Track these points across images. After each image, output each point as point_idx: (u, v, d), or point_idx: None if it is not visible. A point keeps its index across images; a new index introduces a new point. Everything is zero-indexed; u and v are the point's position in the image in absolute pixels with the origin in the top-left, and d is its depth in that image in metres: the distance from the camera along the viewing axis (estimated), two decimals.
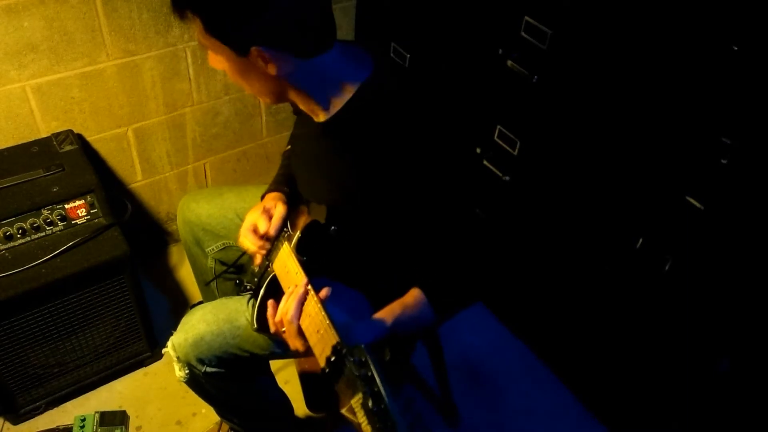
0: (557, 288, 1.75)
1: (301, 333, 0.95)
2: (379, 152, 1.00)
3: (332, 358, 0.83)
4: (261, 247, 1.19)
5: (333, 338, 0.85)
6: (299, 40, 0.95)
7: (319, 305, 0.90)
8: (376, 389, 0.74)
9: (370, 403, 0.74)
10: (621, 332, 1.58)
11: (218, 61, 0.99)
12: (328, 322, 0.87)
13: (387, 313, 1.00)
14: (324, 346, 0.86)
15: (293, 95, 1.04)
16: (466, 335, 1.96)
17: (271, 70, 0.96)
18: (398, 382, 0.78)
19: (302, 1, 0.91)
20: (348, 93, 1.01)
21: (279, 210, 1.20)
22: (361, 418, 0.76)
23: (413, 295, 1.02)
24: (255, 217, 1.20)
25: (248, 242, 1.20)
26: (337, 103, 1.02)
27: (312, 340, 0.92)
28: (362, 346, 0.78)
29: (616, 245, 1.50)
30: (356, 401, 0.77)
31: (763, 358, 1.31)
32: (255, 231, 1.19)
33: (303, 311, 0.95)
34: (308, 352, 0.95)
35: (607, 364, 1.67)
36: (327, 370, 0.84)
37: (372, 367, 0.76)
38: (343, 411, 0.80)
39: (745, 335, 1.32)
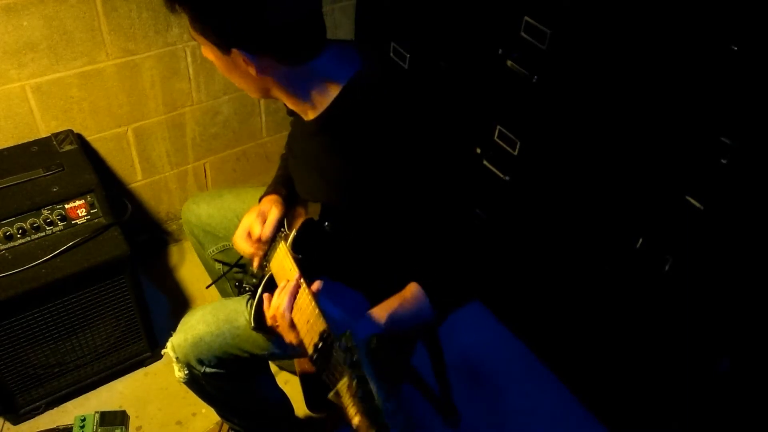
0: (557, 288, 1.75)
1: (293, 326, 0.96)
2: (367, 148, 1.00)
3: (320, 345, 0.84)
4: (256, 251, 1.20)
5: (321, 326, 0.86)
6: (282, 49, 0.95)
7: (310, 297, 0.91)
8: (361, 373, 0.75)
9: (355, 386, 0.75)
10: (621, 332, 1.58)
11: (207, 52, 1.01)
12: (317, 312, 0.88)
13: (383, 308, 1.00)
14: (313, 335, 0.88)
15: (278, 94, 1.05)
16: (466, 335, 1.96)
17: (252, 71, 0.97)
18: (385, 367, 0.78)
19: (287, 12, 0.91)
20: (334, 91, 1.01)
21: (273, 213, 1.20)
22: (347, 401, 0.77)
23: (410, 290, 1.02)
24: (249, 221, 1.21)
25: (243, 247, 1.21)
26: (324, 102, 1.02)
27: (303, 331, 0.93)
28: (348, 332, 0.79)
29: (616, 245, 1.50)
30: (342, 385, 0.78)
31: (763, 358, 1.31)
32: (250, 235, 1.20)
33: (295, 305, 0.96)
34: (302, 345, 0.96)
35: (607, 364, 1.67)
36: (315, 357, 0.85)
37: (357, 351, 0.76)
38: (330, 396, 0.81)
39: (745, 335, 1.32)
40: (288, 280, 0.98)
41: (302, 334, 0.94)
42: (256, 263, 1.22)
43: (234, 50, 0.94)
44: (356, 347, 0.77)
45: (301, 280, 0.95)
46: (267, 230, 1.18)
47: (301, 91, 1.02)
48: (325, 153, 1.08)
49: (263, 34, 0.92)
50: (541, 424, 1.78)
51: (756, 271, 1.25)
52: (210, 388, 1.28)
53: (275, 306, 0.98)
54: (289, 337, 0.98)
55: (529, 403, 1.82)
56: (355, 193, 1.06)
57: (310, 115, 1.06)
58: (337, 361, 0.80)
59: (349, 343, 0.78)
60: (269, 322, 1.02)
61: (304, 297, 0.93)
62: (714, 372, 1.40)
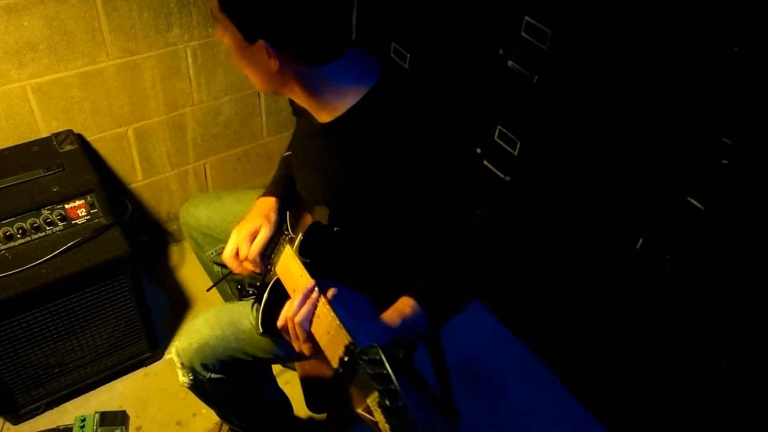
0: (558, 288, 1.75)
1: (311, 337, 0.94)
2: (384, 156, 0.99)
3: (345, 358, 0.83)
4: (243, 270, 1.21)
5: (345, 338, 0.85)
6: (309, 48, 0.94)
7: (327, 306, 0.90)
8: (392, 387, 0.74)
9: (387, 401, 0.74)
10: (621, 332, 1.59)
11: (224, 36, 0.98)
12: (338, 322, 0.87)
13: (395, 312, 0.99)
14: (336, 347, 0.86)
15: (292, 92, 1.03)
16: (466, 335, 1.96)
17: (273, 66, 0.95)
18: (411, 380, 0.77)
19: (320, 11, 0.90)
20: (353, 97, 1.00)
21: (262, 234, 1.19)
22: (378, 417, 0.76)
23: (409, 304, 1.01)
24: (238, 240, 1.21)
25: (232, 266, 1.21)
26: (341, 107, 1.01)
27: (322, 341, 0.92)
28: (376, 345, 0.77)
29: (616, 245, 1.50)
30: (372, 400, 0.77)
31: (763, 358, 1.31)
32: (237, 255, 1.20)
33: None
34: (314, 352, 0.95)
35: (607, 364, 1.68)
36: (341, 371, 0.84)
37: (387, 365, 0.75)
38: (360, 410, 0.80)
39: (745, 335, 1.32)
40: (310, 297, 0.95)
41: (322, 343, 0.92)
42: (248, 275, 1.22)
43: (260, 41, 0.92)
44: (385, 361, 0.75)
45: (321, 296, 0.93)
46: (253, 251, 1.18)
47: (318, 91, 1.01)
48: (335, 155, 1.08)
49: (290, 28, 0.90)
50: (541, 424, 1.78)
51: (756, 272, 1.25)
52: (212, 391, 1.27)
53: (287, 314, 0.96)
54: (302, 348, 0.97)
55: (529, 403, 1.82)
56: (356, 194, 1.05)
57: (324, 117, 1.04)
58: (364, 374, 0.78)
59: (377, 356, 0.76)
60: (280, 325, 1.00)
61: (321, 306, 0.92)
62: (714, 372, 1.40)
